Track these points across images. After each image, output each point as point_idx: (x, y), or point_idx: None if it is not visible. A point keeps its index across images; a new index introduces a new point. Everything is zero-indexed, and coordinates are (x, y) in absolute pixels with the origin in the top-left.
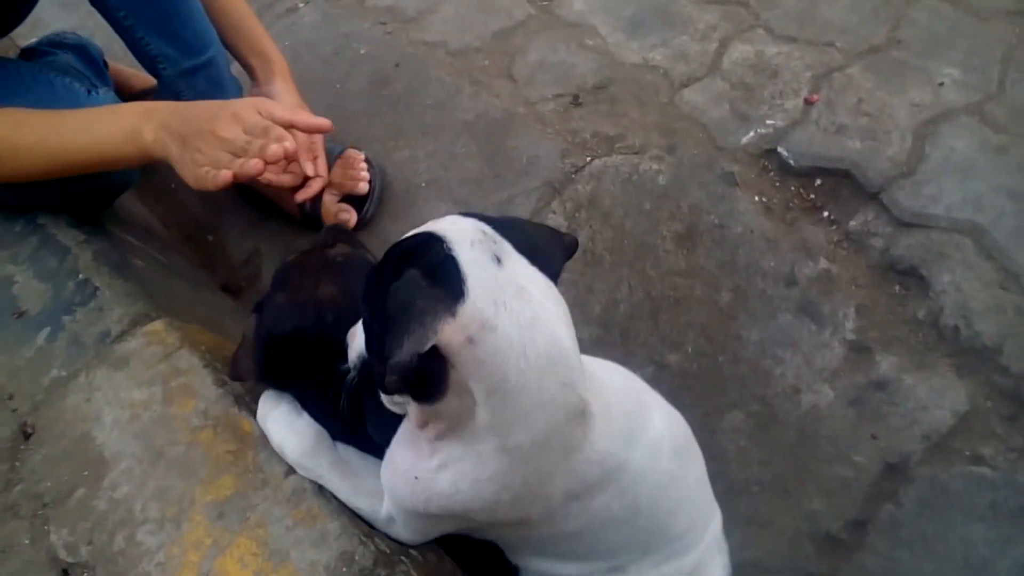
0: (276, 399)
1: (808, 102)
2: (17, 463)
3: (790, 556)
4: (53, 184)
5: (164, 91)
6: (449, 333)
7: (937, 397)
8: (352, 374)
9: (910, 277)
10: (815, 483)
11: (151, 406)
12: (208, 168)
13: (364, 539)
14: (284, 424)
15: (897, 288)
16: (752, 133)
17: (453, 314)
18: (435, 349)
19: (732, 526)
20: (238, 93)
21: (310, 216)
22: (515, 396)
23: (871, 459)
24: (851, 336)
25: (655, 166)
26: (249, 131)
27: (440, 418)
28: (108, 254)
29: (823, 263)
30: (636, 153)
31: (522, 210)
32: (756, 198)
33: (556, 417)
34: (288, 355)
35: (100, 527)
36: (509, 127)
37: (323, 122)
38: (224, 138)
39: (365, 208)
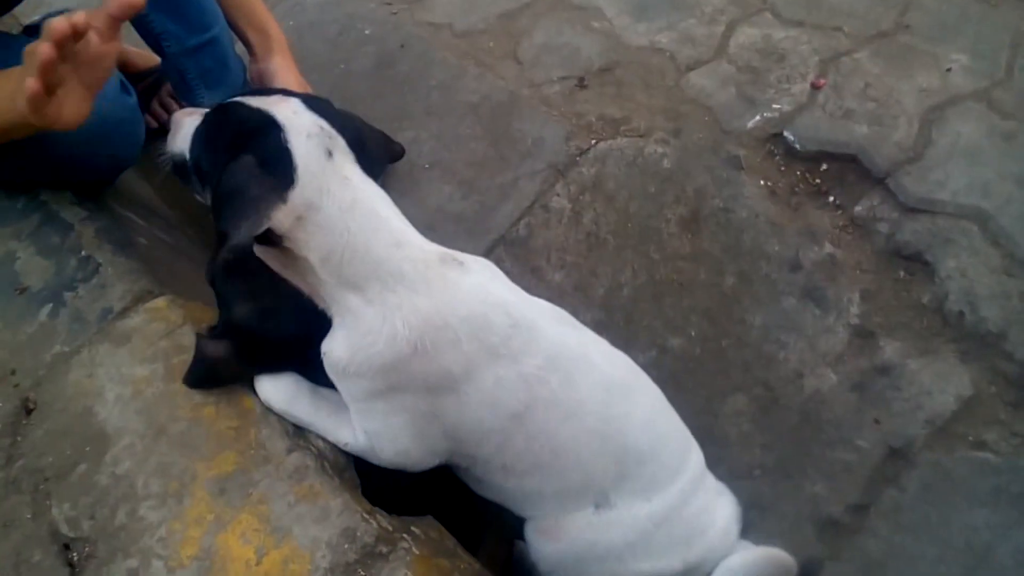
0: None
1: (815, 86)
2: (19, 438)
3: (791, 539)
4: (51, 160)
5: (168, 69)
6: (280, 217)
7: (941, 382)
8: (168, 164)
9: (915, 262)
10: (817, 467)
11: (153, 382)
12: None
13: (366, 516)
14: (268, 380)
15: (902, 273)
16: (758, 117)
17: (284, 200)
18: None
19: None
20: (242, 72)
21: None
22: (349, 260)
23: (874, 443)
24: (855, 321)
25: (660, 149)
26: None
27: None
28: (111, 231)
29: (828, 248)
30: (641, 136)
31: (526, 192)
32: (761, 182)
33: (403, 267)
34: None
35: (102, 502)
36: (514, 109)
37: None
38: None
39: None
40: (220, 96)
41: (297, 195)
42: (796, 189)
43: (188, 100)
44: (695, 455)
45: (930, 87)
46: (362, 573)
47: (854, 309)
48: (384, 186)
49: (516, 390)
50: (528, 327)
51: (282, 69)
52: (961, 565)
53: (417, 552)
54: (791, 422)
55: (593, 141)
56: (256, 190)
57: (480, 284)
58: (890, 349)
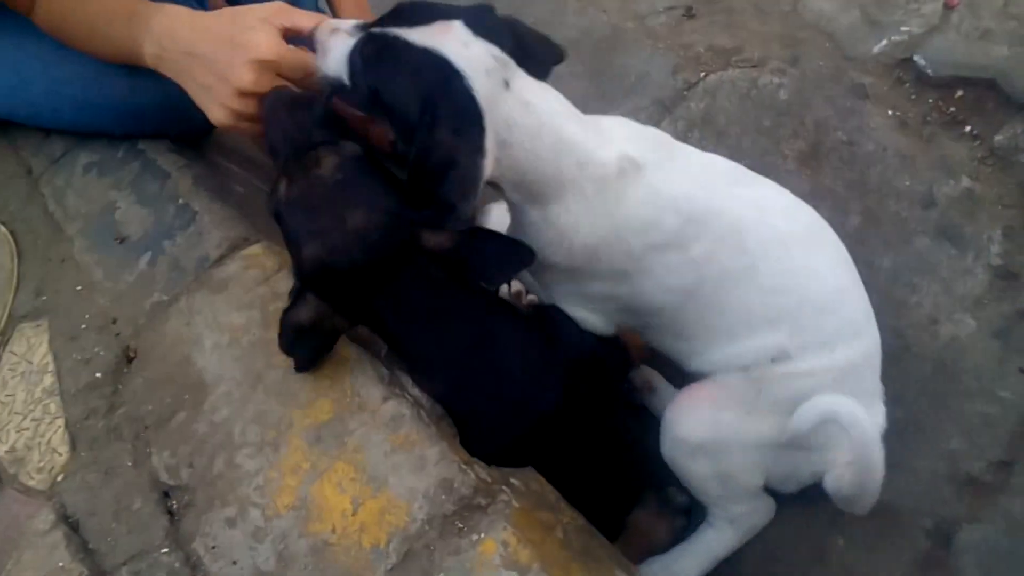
0: None
1: (948, 5)
2: (120, 386)
3: (926, 499)
4: (147, 112)
5: None
6: (484, 169)
7: None
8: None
9: None
10: (954, 421)
11: (250, 330)
12: (224, 109)
13: (464, 467)
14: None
15: None
16: (885, 41)
17: (483, 154)
18: None
19: None
20: None
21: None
22: (539, 184)
23: (1018, 394)
24: (996, 261)
25: (776, 80)
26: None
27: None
28: (207, 179)
29: (965, 182)
30: (755, 66)
31: None
32: (889, 112)
33: (585, 188)
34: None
35: (200, 450)
36: (617, 43)
37: None
38: (240, 88)
39: None
40: None
41: (489, 140)
42: (928, 119)
43: None
44: (871, 334)
45: None
46: (460, 526)
47: (995, 248)
48: None
49: (685, 273)
50: (699, 218)
51: None
52: None
53: (517, 505)
54: (925, 372)
55: (702, 74)
56: (466, 161)
57: (654, 188)
58: None
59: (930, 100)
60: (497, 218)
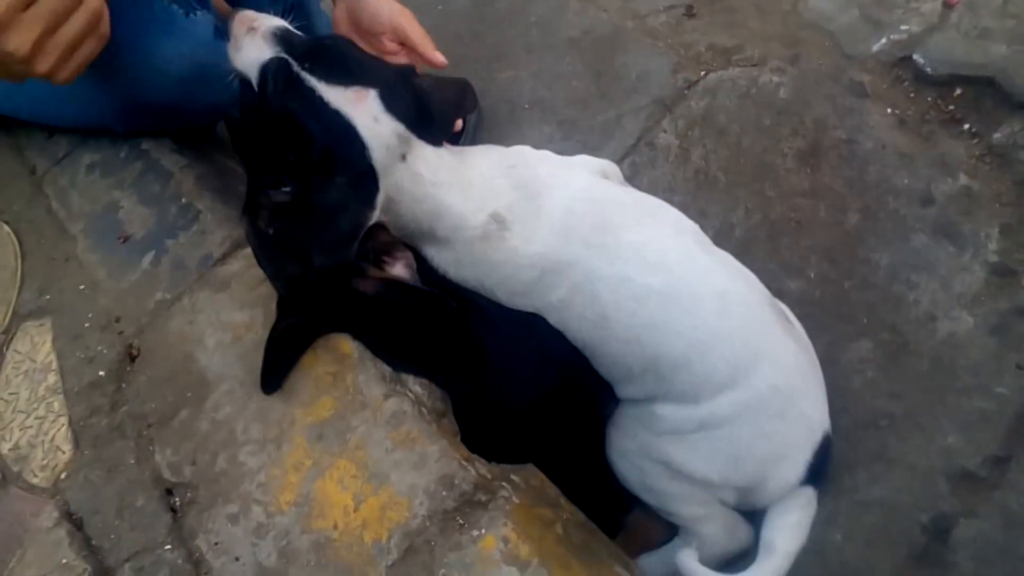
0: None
1: (948, 5)
2: (123, 384)
3: (922, 494)
4: (147, 108)
5: None
6: (370, 218)
7: None
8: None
9: None
10: (951, 416)
11: (252, 328)
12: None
13: (464, 463)
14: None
15: None
16: (884, 40)
17: (373, 208)
18: None
19: (857, 462)
20: (326, 27)
21: None
22: (417, 234)
23: (1015, 391)
24: (994, 258)
25: (776, 78)
26: None
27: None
28: (210, 179)
29: (963, 179)
30: (755, 65)
31: (630, 129)
32: (888, 110)
33: (456, 244)
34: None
35: (203, 448)
36: (618, 43)
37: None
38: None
39: (459, 144)
40: None
41: (379, 198)
42: (927, 117)
43: None
44: (764, 378)
45: None
46: (460, 521)
47: (993, 245)
48: (483, 130)
49: (550, 314)
50: (555, 269)
51: None
52: None
53: (517, 501)
54: (922, 369)
55: (702, 73)
56: (355, 207)
57: (513, 248)
58: None
59: (929, 98)
60: None
